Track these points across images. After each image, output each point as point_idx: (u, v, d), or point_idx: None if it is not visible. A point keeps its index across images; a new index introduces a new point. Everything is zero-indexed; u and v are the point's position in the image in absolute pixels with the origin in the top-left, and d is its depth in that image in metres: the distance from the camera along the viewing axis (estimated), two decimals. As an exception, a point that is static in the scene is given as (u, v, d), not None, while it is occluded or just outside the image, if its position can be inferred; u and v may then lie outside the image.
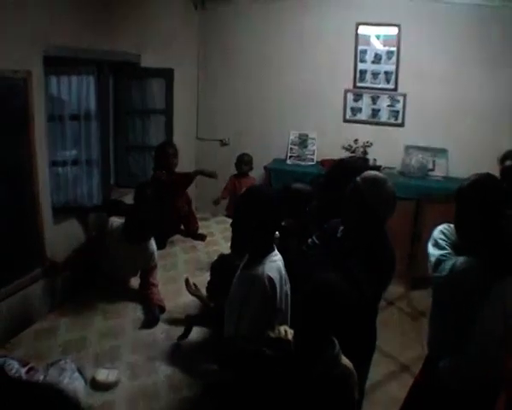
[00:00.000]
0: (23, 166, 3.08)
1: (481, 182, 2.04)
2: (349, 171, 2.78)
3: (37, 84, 3.11)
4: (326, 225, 2.57)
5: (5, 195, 2.92)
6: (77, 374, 2.24)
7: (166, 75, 4.72)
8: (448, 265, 1.99)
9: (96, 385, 2.33)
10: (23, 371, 2.16)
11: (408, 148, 5.53)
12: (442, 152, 5.43)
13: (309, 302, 1.74)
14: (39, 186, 3.22)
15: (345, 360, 1.81)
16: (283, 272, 2.12)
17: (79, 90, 3.65)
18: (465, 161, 5.19)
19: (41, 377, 2.13)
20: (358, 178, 2.30)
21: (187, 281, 3.00)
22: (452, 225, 2.15)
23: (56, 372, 2.18)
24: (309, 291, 1.75)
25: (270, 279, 2.02)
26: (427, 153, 5.44)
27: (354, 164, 3.14)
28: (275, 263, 2.10)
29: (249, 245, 2.14)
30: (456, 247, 2.08)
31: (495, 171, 2.55)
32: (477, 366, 1.95)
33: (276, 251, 2.17)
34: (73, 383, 2.19)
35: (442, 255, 2.04)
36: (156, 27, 4.80)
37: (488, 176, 2.07)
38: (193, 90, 6.08)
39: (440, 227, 2.21)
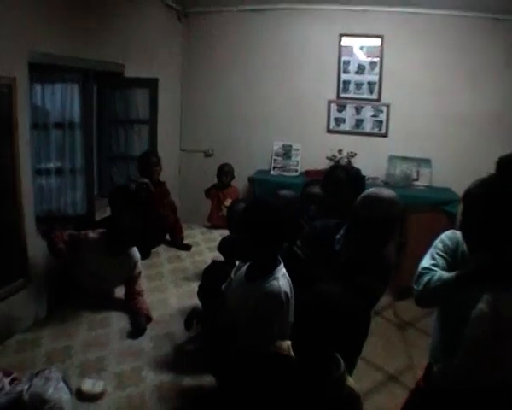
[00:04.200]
0: (6, 175, 3.03)
1: (489, 181, 1.99)
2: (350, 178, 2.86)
3: (21, 92, 3.08)
4: (317, 223, 2.56)
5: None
6: (62, 384, 2.17)
7: (151, 85, 4.70)
8: (424, 280, 1.95)
9: (81, 396, 2.25)
10: (6, 381, 2.10)
11: (392, 158, 5.58)
12: (426, 162, 5.50)
13: (313, 316, 1.59)
14: (22, 196, 3.17)
15: (350, 381, 1.71)
16: (291, 284, 2.09)
17: (64, 99, 3.65)
18: (448, 170, 5.29)
19: (25, 388, 2.06)
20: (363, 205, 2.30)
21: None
22: (458, 232, 2.12)
23: (41, 382, 2.10)
24: (313, 304, 1.62)
25: (287, 296, 2.00)
26: (411, 163, 5.50)
27: (352, 171, 3.20)
28: (285, 276, 2.06)
29: (258, 257, 2.10)
30: (456, 255, 2.06)
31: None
32: (464, 368, 1.94)
33: (282, 262, 2.13)
34: (59, 393, 2.11)
35: (424, 268, 2.00)
36: (140, 38, 4.82)
37: (495, 177, 2.02)
38: (176, 101, 6.07)
39: (443, 235, 2.13)
